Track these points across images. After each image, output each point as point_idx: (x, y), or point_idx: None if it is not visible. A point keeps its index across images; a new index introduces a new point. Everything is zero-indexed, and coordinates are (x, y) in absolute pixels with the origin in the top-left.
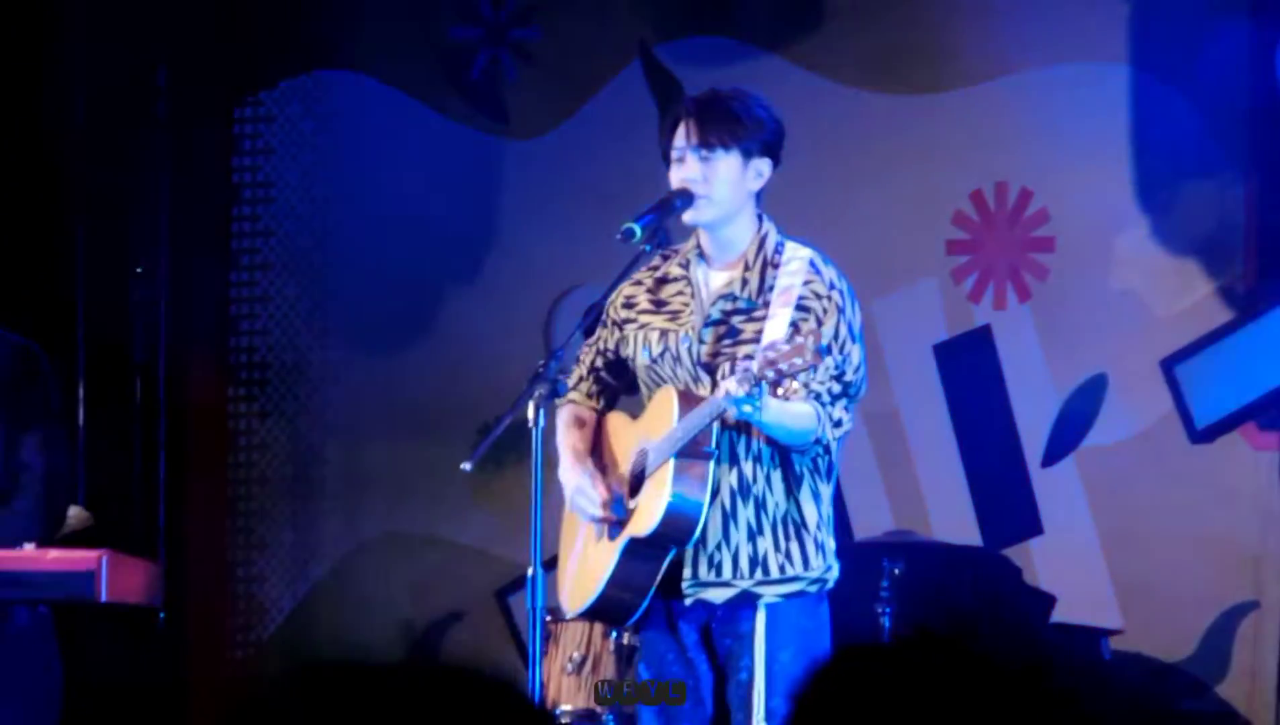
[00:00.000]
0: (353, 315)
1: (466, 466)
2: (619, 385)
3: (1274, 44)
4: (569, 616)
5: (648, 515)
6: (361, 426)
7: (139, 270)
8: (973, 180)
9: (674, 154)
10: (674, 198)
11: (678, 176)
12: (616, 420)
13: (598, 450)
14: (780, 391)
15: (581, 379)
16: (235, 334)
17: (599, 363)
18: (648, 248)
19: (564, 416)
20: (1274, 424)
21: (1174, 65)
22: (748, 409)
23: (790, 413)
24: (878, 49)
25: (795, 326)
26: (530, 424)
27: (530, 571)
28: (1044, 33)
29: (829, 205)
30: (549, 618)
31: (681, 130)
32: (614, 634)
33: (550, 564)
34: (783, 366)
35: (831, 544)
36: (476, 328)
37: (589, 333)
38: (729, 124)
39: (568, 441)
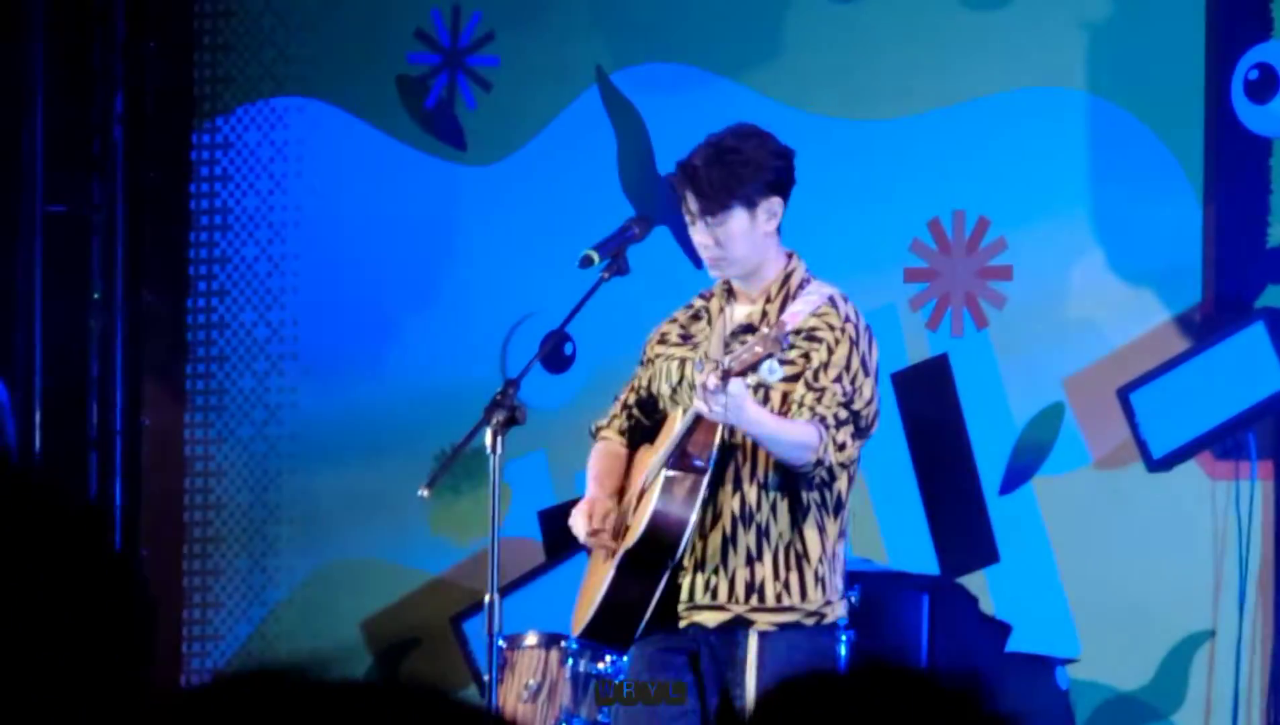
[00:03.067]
0: (310, 341)
1: (424, 493)
2: (651, 423)
3: (1232, 70)
4: (575, 638)
5: (636, 527)
6: (318, 453)
7: (96, 296)
8: (930, 208)
9: (686, 217)
10: (633, 225)
11: (695, 239)
12: (641, 451)
13: (628, 481)
14: (752, 381)
15: (615, 416)
16: (192, 361)
17: (632, 400)
18: (605, 276)
19: (594, 450)
20: (1231, 452)
21: (1132, 91)
22: (717, 403)
23: (783, 426)
24: (835, 75)
25: (766, 317)
26: (488, 451)
27: (487, 598)
28: (1001, 59)
29: (786, 232)
30: (505, 645)
31: (686, 196)
32: (569, 662)
33: (507, 590)
34: (746, 355)
35: (836, 582)
36: (434, 354)
37: (548, 360)
38: (725, 182)
39: (591, 471)
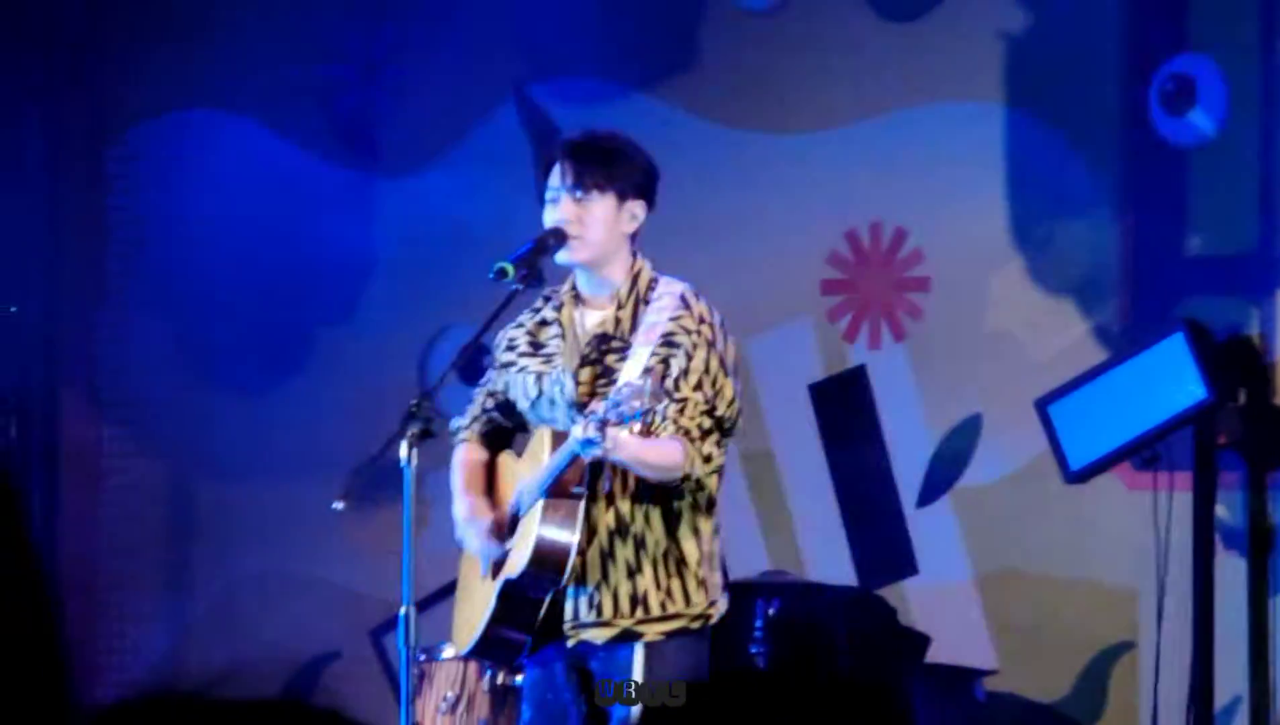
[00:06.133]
0: (225, 354)
1: (339, 505)
2: (511, 425)
3: (1148, 82)
4: (460, 655)
5: (518, 556)
6: (234, 465)
7: (13, 309)
8: (847, 219)
9: (549, 195)
10: (548, 237)
11: (552, 217)
12: (505, 460)
13: (491, 490)
14: (636, 429)
15: (475, 419)
16: (107, 373)
17: (490, 404)
18: (520, 287)
19: (457, 455)
20: (1148, 464)
21: (1049, 103)
22: (596, 453)
23: (653, 451)
24: (752, 88)
25: (649, 368)
26: (404, 463)
27: (403, 611)
28: (919, 71)
29: (703, 244)
30: (422, 657)
31: (556, 171)
32: (488, 672)
33: (425, 603)
34: (624, 410)
35: (716, 579)
36: (349, 366)
37: (465, 371)
38: (604, 166)
39: (459, 478)
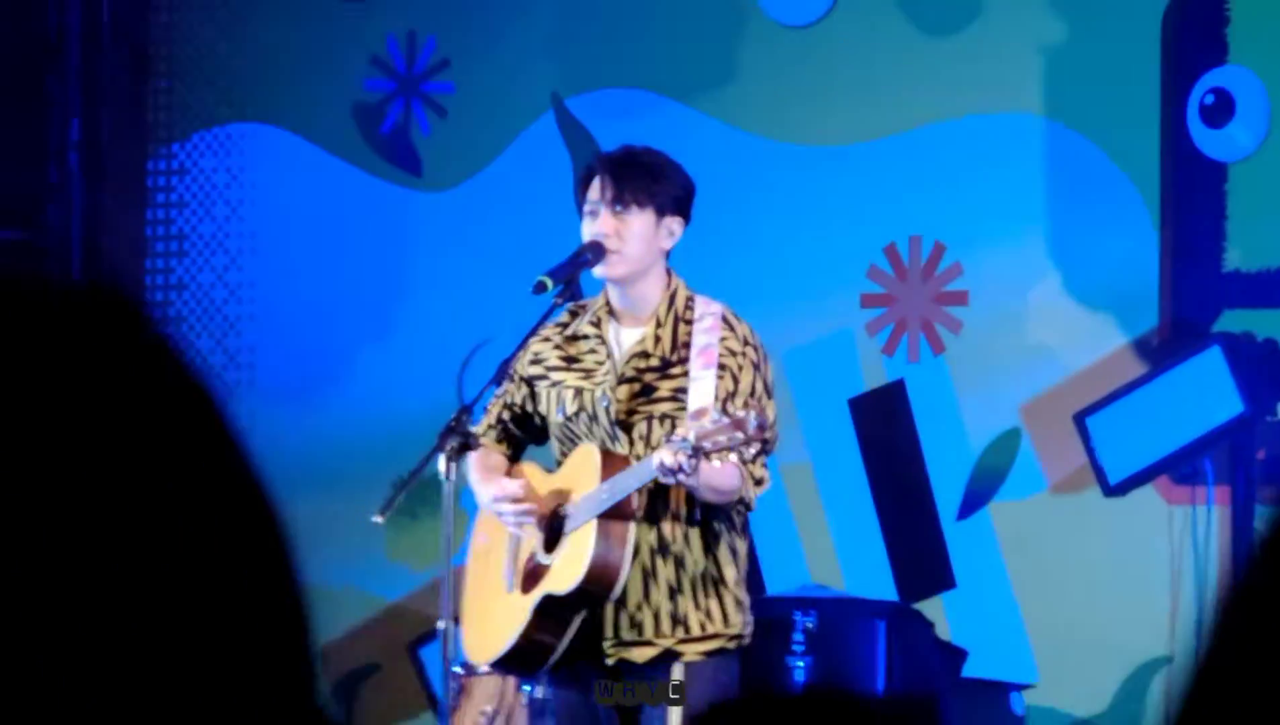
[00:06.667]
0: (266, 368)
1: (378, 519)
2: (524, 438)
3: (1187, 94)
4: (478, 669)
5: (567, 574)
6: (274, 479)
7: None
8: (887, 234)
9: (587, 207)
10: (586, 251)
11: (590, 231)
12: (529, 470)
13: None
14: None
15: (489, 428)
16: None
17: (505, 416)
18: (559, 301)
19: (474, 455)
20: (1188, 478)
21: (1088, 116)
22: (680, 479)
23: (719, 475)
24: (791, 100)
25: (736, 399)
26: (441, 477)
27: (440, 625)
28: (958, 84)
29: (743, 256)
30: (461, 671)
31: (595, 185)
32: (528, 688)
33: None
34: (721, 439)
35: (747, 599)
36: (389, 381)
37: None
38: (644, 181)
39: (480, 471)
